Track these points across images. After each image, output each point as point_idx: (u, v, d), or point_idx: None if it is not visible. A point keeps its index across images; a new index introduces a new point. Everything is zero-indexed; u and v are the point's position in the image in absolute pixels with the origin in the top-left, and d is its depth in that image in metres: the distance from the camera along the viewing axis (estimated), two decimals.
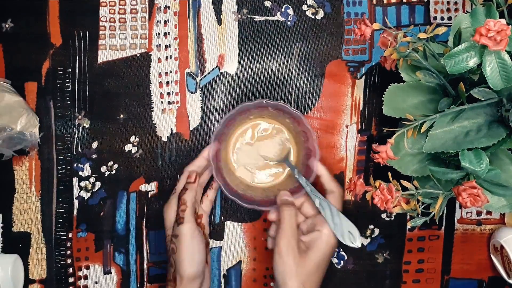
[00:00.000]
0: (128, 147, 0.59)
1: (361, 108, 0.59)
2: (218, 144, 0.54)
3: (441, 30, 0.43)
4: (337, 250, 0.60)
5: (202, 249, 0.50)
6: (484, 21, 0.40)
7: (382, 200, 0.44)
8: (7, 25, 0.58)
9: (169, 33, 0.58)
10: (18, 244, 0.59)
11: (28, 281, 0.59)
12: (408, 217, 0.60)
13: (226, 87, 0.58)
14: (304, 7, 0.58)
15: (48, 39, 0.58)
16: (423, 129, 0.44)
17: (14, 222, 0.58)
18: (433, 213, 0.45)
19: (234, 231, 0.59)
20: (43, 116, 0.58)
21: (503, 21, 0.36)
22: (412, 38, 0.44)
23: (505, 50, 0.38)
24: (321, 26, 0.58)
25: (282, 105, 0.52)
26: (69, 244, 0.59)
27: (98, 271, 0.59)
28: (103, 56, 0.58)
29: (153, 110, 0.58)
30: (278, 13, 0.58)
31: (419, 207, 0.45)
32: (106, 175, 0.59)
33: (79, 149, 0.58)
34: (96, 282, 0.59)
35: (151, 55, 0.58)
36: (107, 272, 0.59)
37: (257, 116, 0.56)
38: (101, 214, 0.59)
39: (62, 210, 0.58)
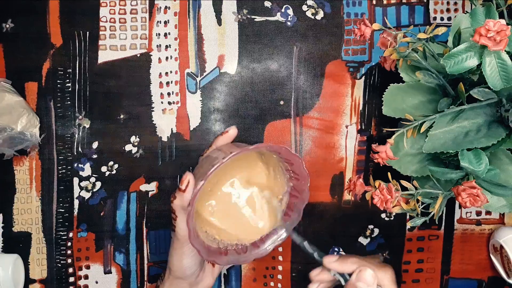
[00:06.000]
0: (128, 147, 0.59)
1: (360, 108, 0.59)
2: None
3: (441, 30, 0.43)
4: (337, 250, 0.60)
5: (193, 256, 0.47)
6: (483, 22, 0.40)
7: (382, 200, 0.44)
8: (7, 25, 0.58)
9: (169, 33, 0.58)
10: (18, 244, 0.59)
11: (28, 281, 0.59)
12: (408, 217, 0.60)
13: (226, 88, 0.59)
14: (304, 8, 0.58)
15: (49, 39, 0.58)
16: (423, 129, 0.44)
17: (14, 222, 0.58)
18: (432, 213, 0.45)
19: None
20: (44, 116, 0.58)
21: (503, 21, 0.37)
22: (412, 39, 0.44)
23: (505, 50, 0.38)
24: (321, 27, 0.58)
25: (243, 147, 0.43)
26: (69, 244, 0.59)
27: (98, 270, 0.59)
28: (104, 56, 0.58)
29: (153, 110, 0.59)
30: (278, 14, 0.58)
31: (419, 207, 0.45)
32: (106, 175, 0.59)
33: (80, 149, 0.58)
34: (97, 282, 0.59)
35: (151, 55, 0.58)
36: (107, 272, 0.59)
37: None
38: (101, 214, 0.59)
39: (63, 210, 0.59)
